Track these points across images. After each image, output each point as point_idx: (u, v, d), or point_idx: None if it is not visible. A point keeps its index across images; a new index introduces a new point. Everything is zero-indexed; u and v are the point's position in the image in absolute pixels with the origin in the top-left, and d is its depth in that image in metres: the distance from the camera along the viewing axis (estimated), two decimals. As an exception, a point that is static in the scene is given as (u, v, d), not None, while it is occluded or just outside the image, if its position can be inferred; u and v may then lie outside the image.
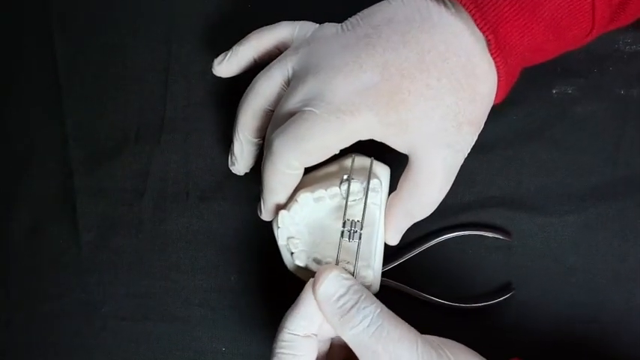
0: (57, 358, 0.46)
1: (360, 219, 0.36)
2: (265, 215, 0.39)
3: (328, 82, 0.34)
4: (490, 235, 0.42)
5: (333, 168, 0.39)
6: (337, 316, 0.33)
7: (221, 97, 0.45)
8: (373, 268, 0.38)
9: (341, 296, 0.34)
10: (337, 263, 0.36)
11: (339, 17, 0.37)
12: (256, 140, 0.40)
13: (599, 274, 0.42)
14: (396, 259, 0.42)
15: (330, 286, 0.34)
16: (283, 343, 0.34)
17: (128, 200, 0.46)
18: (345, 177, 0.37)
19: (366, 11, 0.36)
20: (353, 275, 0.36)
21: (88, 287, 0.46)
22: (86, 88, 0.46)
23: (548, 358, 0.41)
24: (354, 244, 0.36)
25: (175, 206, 0.45)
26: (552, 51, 0.37)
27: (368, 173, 0.37)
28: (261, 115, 0.39)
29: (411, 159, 0.35)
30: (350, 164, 0.38)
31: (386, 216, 0.38)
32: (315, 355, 0.35)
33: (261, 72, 0.38)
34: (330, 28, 0.37)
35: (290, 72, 0.37)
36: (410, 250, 0.42)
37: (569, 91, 0.43)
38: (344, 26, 0.36)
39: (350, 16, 0.37)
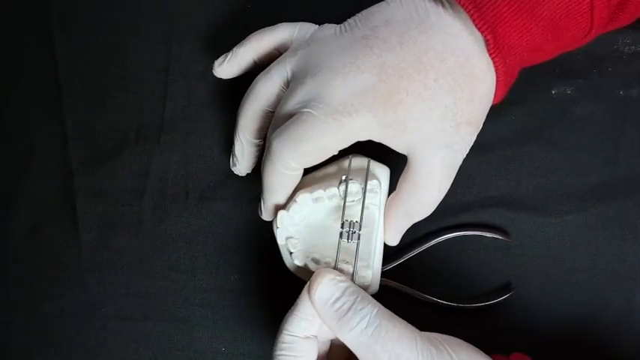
0: (57, 358, 0.46)
1: (358, 220, 0.36)
2: (265, 215, 0.39)
3: (326, 83, 0.34)
4: (489, 235, 0.42)
5: (332, 169, 0.39)
6: (335, 319, 0.33)
7: (221, 97, 0.45)
8: (372, 268, 0.38)
9: (337, 299, 0.34)
10: (336, 264, 0.36)
11: (339, 17, 0.37)
12: (257, 141, 0.40)
13: (599, 274, 0.42)
14: (395, 259, 0.42)
15: (325, 290, 0.34)
16: (283, 345, 0.34)
17: (128, 200, 0.46)
18: (344, 178, 0.37)
19: (364, 12, 0.36)
20: (352, 275, 0.36)
21: (88, 287, 0.46)
22: (86, 88, 0.46)
23: (548, 358, 0.41)
24: (353, 244, 0.36)
25: (175, 206, 0.45)
26: (551, 51, 0.36)
27: (365, 174, 0.37)
28: (261, 116, 0.39)
29: (410, 159, 0.35)
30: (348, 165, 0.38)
31: (385, 216, 0.38)
32: (315, 356, 0.35)
33: (261, 74, 0.38)
34: (329, 29, 0.37)
35: (289, 74, 0.37)
36: (410, 250, 0.42)
37: (569, 92, 0.42)
38: (342, 27, 0.36)
39: (349, 17, 0.37)
